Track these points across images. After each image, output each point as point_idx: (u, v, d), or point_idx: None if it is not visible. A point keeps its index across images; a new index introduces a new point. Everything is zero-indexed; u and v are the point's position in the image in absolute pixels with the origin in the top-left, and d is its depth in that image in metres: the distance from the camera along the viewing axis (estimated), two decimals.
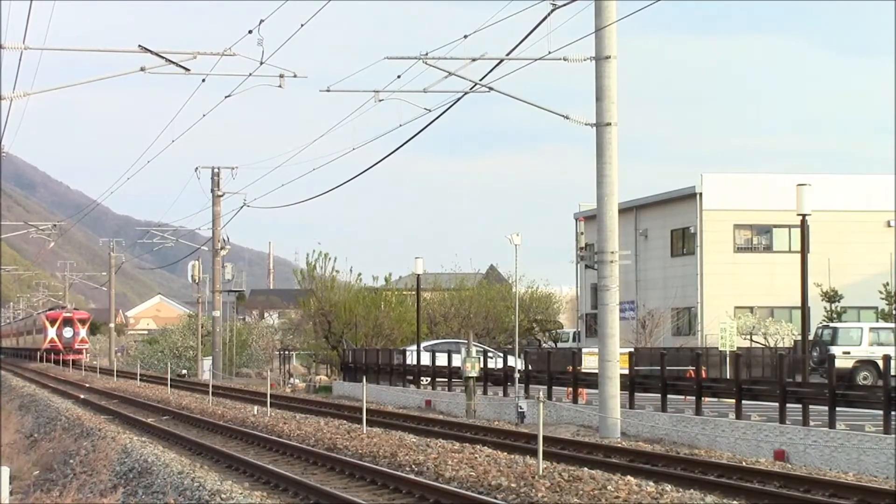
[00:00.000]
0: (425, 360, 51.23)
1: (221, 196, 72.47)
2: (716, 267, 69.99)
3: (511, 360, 44.15)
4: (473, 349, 42.38)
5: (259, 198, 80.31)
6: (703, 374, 38.49)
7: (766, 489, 21.36)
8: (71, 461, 26.95)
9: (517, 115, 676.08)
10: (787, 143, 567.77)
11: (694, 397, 33.21)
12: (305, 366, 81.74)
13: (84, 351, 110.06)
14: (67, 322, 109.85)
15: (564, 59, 32.40)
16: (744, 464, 24.89)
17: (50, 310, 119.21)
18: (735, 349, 46.27)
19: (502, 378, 43.68)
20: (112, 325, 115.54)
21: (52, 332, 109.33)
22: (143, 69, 32.80)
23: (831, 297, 62.13)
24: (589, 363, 40.30)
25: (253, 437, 32.06)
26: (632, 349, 46.06)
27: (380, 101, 34.98)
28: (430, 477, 22.57)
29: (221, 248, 73.17)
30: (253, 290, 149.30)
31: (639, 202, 74.92)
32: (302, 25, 31.55)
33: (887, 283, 63.26)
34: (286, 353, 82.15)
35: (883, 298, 62.79)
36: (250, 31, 31.23)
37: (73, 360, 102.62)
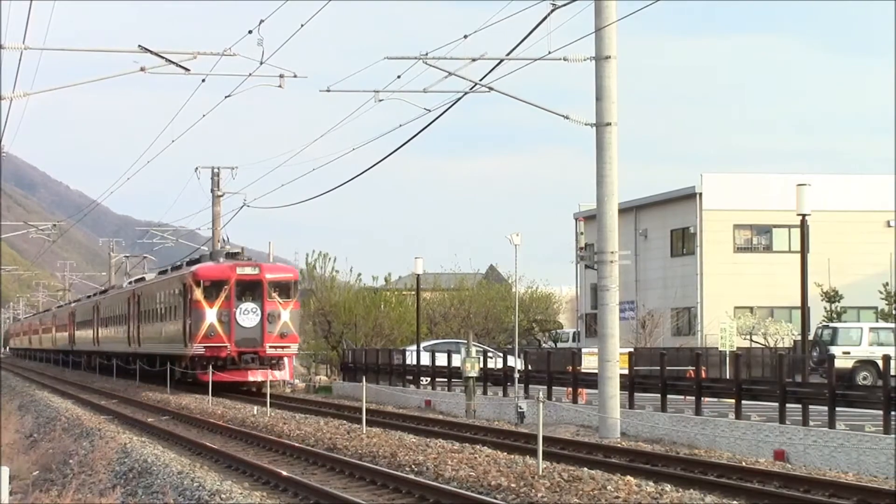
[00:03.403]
0: (425, 360, 51.23)
1: (221, 196, 72.42)
2: (716, 267, 69.99)
3: (511, 360, 44.15)
4: (473, 349, 42.38)
5: (259, 198, 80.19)
6: (703, 374, 38.49)
7: (766, 489, 21.36)
8: (70, 461, 26.95)
9: (517, 115, 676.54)
10: (787, 143, 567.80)
11: (694, 397, 33.21)
12: (305, 366, 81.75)
13: (287, 359, 52.38)
14: (250, 289, 50.83)
15: (564, 59, 32.40)
16: (744, 464, 24.90)
17: (195, 262, 55.20)
18: (735, 349, 46.28)
19: (502, 378, 43.68)
20: None
21: (211, 316, 50.21)
22: (143, 69, 32.81)
23: (831, 297, 62.17)
24: (589, 363, 40.31)
25: (253, 437, 32.05)
26: (632, 349, 46.11)
27: (380, 101, 34.99)
28: (430, 477, 22.57)
29: (221, 249, 73.09)
30: None
31: (639, 202, 74.93)
32: (302, 25, 31.59)
33: (887, 283, 63.28)
34: None
35: (883, 298, 62.81)
36: (250, 31, 31.30)
37: (257, 384, 51.31)
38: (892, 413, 26.42)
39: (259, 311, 50.20)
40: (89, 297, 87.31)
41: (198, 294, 50.43)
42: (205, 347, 50.01)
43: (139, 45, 32.33)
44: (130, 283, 70.45)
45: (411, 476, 22.55)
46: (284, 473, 22.98)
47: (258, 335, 50.13)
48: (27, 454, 29.80)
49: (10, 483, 16.50)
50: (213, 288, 50.52)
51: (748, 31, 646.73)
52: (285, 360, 51.38)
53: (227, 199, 72.61)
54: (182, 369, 52.78)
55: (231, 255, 53.43)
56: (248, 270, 51.13)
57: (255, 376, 50.75)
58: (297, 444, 29.01)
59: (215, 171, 73.05)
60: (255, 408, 40.02)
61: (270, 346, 50.23)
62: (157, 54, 32.31)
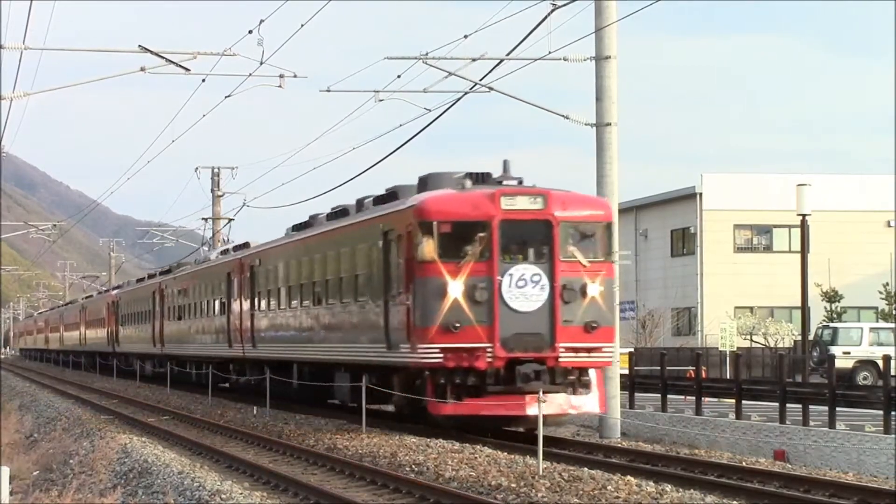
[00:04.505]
0: None
1: (221, 196, 72.49)
2: (716, 267, 70.02)
3: None
4: None
5: (259, 197, 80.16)
6: (703, 374, 38.52)
7: (766, 489, 21.35)
8: (71, 461, 26.96)
9: (517, 115, 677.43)
10: (787, 143, 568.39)
11: (694, 397, 33.22)
12: None
13: (596, 373, 27.57)
14: (527, 238, 26.66)
15: (564, 59, 32.40)
16: (744, 464, 24.88)
17: (389, 196, 29.67)
18: (735, 349, 46.33)
19: None
20: None
21: (455, 289, 25.72)
22: (143, 69, 32.83)
23: (831, 297, 62.22)
24: None
25: (253, 437, 32.04)
26: (632, 349, 46.11)
27: (380, 101, 34.99)
28: (430, 477, 22.54)
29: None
30: None
31: (639, 202, 74.97)
32: (302, 25, 31.60)
33: (887, 283, 63.35)
34: None
35: (883, 298, 62.87)
36: (250, 31, 31.34)
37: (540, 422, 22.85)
38: (893, 413, 26.44)
39: (546, 282, 26.63)
40: (141, 280, 66.04)
41: (428, 249, 26.62)
42: (443, 350, 26.62)
43: (139, 45, 32.36)
44: (224, 251, 47.67)
45: (411, 476, 22.53)
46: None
47: (545, 327, 26.82)
48: (27, 454, 29.82)
49: (10, 483, 16.51)
50: (457, 236, 26.75)
51: (748, 31, 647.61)
52: (591, 374, 27.70)
53: (227, 198, 72.63)
54: (379, 388, 30.21)
55: (479, 177, 28.24)
56: (524, 203, 26.99)
57: (536, 407, 23.54)
58: (297, 445, 29.00)
59: (215, 171, 73.11)
60: (255, 408, 40.01)
61: (566, 350, 26.89)
62: (157, 54, 32.33)
